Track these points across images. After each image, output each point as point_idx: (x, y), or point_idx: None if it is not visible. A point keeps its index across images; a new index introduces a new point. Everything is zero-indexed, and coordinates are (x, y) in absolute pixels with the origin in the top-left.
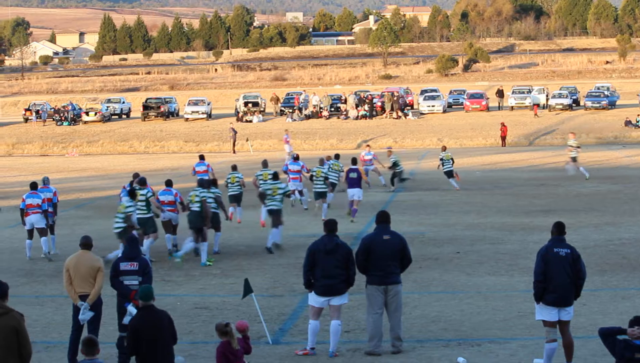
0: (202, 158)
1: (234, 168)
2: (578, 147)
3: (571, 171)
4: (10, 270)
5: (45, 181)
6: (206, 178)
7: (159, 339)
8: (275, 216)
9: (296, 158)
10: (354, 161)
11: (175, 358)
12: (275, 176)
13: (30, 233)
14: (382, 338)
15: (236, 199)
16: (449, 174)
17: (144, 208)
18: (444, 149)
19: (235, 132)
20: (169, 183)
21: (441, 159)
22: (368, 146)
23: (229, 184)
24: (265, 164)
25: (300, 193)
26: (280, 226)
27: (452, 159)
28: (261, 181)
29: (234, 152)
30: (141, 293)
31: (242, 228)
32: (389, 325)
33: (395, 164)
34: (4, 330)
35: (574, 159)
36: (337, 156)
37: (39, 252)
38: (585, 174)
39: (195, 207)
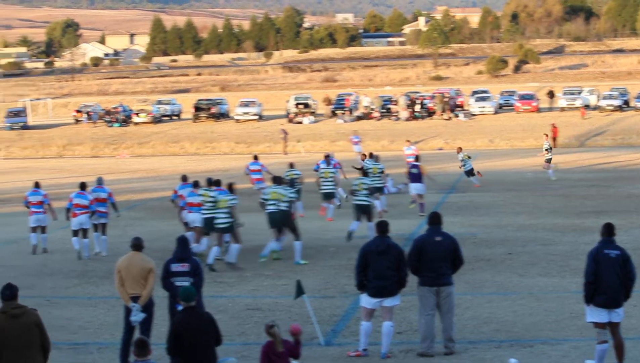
0: (256, 158)
1: (291, 165)
2: (547, 148)
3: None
4: (62, 271)
5: (100, 181)
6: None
7: (200, 341)
8: (364, 211)
9: (327, 157)
10: (417, 158)
11: (228, 359)
12: (364, 173)
13: (75, 232)
14: (435, 340)
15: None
16: (469, 173)
17: (213, 208)
18: (460, 150)
19: (286, 133)
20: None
21: (462, 160)
22: (408, 141)
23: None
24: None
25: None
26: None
27: (469, 157)
28: (322, 179)
29: (285, 153)
30: (182, 294)
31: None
32: (441, 326)
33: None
34: (26, 326)
35: (549, 161)
36: (370, 155)
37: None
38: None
39: (284, 206)
